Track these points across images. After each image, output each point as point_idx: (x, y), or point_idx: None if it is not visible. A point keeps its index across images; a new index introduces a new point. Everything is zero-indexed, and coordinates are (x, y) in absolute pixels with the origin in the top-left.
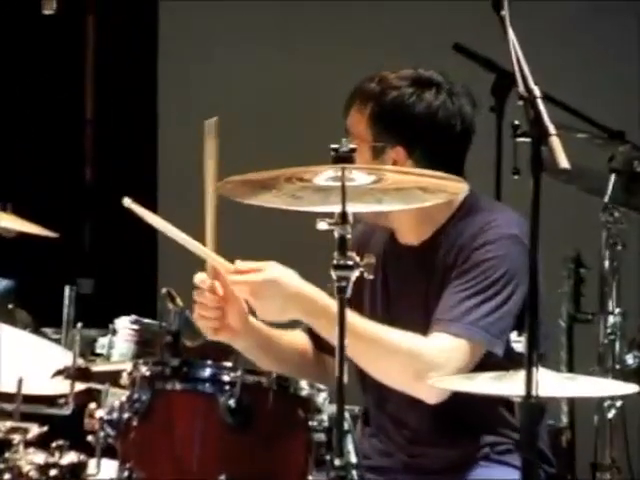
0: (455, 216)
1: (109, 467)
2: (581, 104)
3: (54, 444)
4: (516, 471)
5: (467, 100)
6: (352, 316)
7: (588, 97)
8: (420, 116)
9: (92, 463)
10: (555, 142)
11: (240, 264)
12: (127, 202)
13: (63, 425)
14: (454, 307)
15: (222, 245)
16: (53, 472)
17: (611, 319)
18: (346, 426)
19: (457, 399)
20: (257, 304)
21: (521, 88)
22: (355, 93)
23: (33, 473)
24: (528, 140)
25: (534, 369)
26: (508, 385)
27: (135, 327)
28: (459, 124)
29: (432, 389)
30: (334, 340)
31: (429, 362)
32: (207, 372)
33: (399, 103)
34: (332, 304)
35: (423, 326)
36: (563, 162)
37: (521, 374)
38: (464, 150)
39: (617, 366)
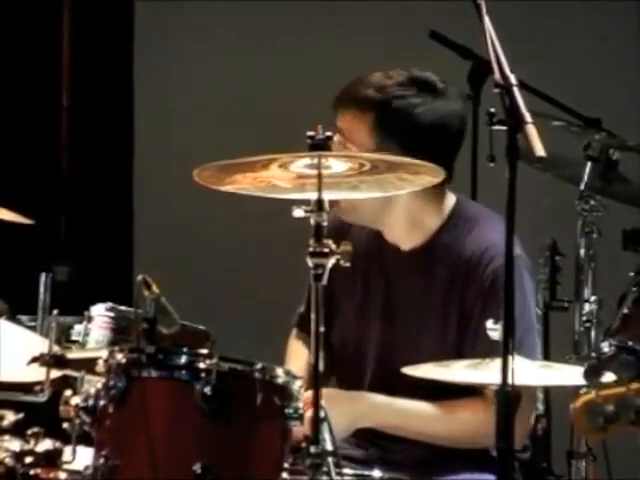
0: (448, 224)
1: (85, 454)
2: (557, 91)
3: (30, 431)
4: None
5: (461, 100)
6: (401, 402)
7: (564, 84)
8: (429, 124)
9: (68, 450)
10: (531, 130)
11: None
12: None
13: (39, 412)
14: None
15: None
16: (28, 459)
17: (587, 307)
18: (322, 414)
19: (428, 393)
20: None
21: (497, 76)
22: (348, 98)
23: (8, 460)
24: (504, 128)
25: (510, 357)
26: (484, 373)
27: (111, 314)
28: (457, 125)
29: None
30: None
31: (481, 419)
32: (183, 359)
33: (408, 113)
34: (376, 399)
35: (415, 331)
36: (539, 150)
37: (497, 362)
38: (459, 148)
39: (593, 354)
